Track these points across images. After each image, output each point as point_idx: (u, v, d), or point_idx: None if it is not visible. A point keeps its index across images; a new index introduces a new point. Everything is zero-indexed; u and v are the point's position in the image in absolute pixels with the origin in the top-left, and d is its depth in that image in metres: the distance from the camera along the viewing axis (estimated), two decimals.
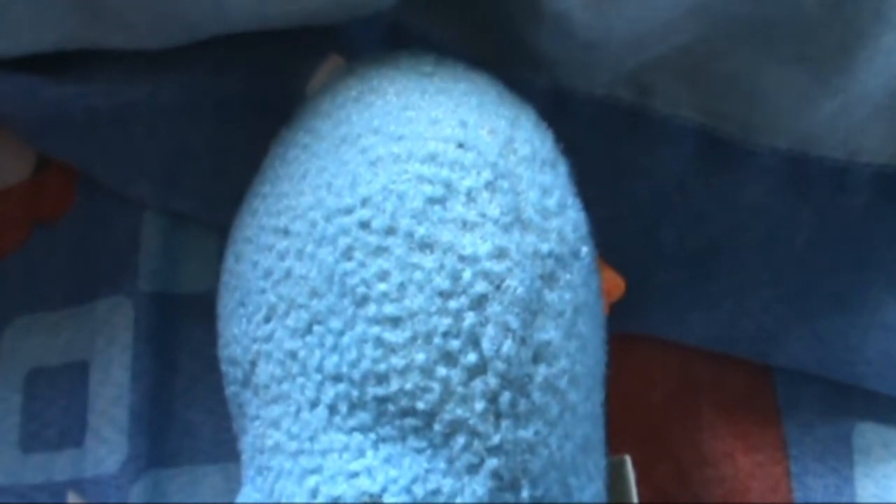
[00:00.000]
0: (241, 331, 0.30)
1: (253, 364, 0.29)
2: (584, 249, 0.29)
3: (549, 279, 0.27)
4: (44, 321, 0.38)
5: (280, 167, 0.30)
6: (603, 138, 0.36)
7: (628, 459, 0.31)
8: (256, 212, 0.30)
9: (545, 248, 0.27)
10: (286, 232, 0.29)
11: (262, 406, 0.29)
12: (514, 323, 0.26)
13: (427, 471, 0.26)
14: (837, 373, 0.36)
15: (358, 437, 0.27)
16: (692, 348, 0.37)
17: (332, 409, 0.27)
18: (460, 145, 0.28)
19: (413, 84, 0.29)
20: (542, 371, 0.27)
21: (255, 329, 0.29)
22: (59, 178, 0.40)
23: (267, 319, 0.29)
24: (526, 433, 0.26)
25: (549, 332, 0.27)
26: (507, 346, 0.26)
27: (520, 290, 0.27)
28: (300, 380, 0.28)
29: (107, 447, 0.36)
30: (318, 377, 0.27)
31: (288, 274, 0.28)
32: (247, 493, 0.29)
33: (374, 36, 0.35)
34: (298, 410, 0.28)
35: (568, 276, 0.28)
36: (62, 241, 0.39)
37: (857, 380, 0.36)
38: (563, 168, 0.30)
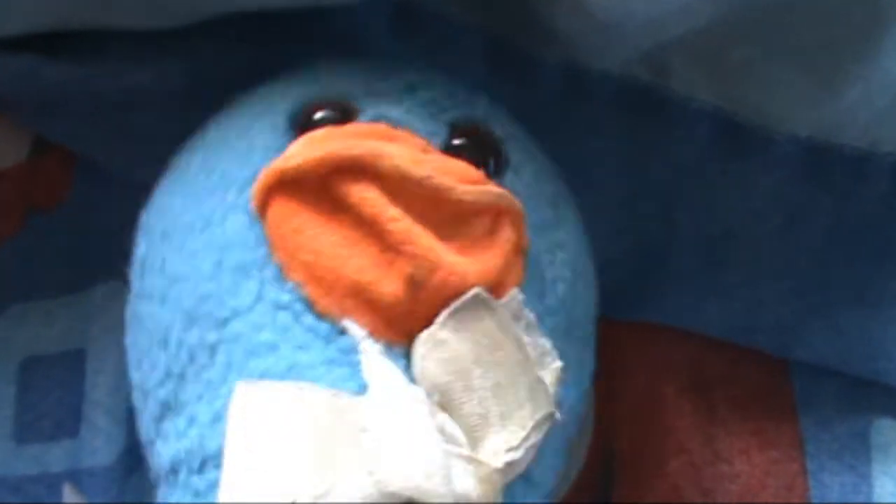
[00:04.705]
0: None
1: None
2: None
3: None
4: (39, 309, 0.38)
5: None
6: (618, 117, 0.35)
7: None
8: None
9: None
10: None
11: None
12: None
13: None
14: (858, 367, 0.36)
15: None
16: (707, 341, 0.36)
17: None
18: None
19: None
20: None
21: None
22: (55, 162, 0.39)
23: None
24: None
25: None
26: None
27: None
28: None
29: (103, 438, 0.35)
30: None
31: None
32: None
33: (383, 15, 0.35)
34: None
35: None
36: (58, 227, 0.38)
37: (877, 375, 0.35)
38: None
